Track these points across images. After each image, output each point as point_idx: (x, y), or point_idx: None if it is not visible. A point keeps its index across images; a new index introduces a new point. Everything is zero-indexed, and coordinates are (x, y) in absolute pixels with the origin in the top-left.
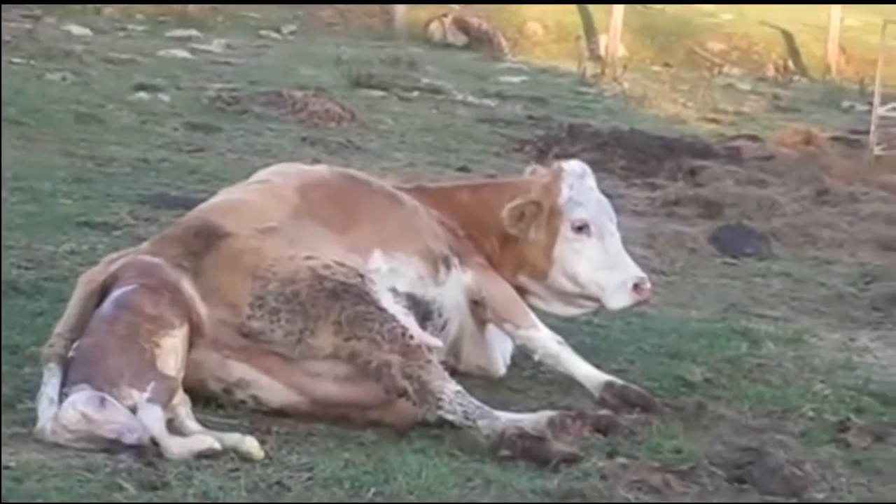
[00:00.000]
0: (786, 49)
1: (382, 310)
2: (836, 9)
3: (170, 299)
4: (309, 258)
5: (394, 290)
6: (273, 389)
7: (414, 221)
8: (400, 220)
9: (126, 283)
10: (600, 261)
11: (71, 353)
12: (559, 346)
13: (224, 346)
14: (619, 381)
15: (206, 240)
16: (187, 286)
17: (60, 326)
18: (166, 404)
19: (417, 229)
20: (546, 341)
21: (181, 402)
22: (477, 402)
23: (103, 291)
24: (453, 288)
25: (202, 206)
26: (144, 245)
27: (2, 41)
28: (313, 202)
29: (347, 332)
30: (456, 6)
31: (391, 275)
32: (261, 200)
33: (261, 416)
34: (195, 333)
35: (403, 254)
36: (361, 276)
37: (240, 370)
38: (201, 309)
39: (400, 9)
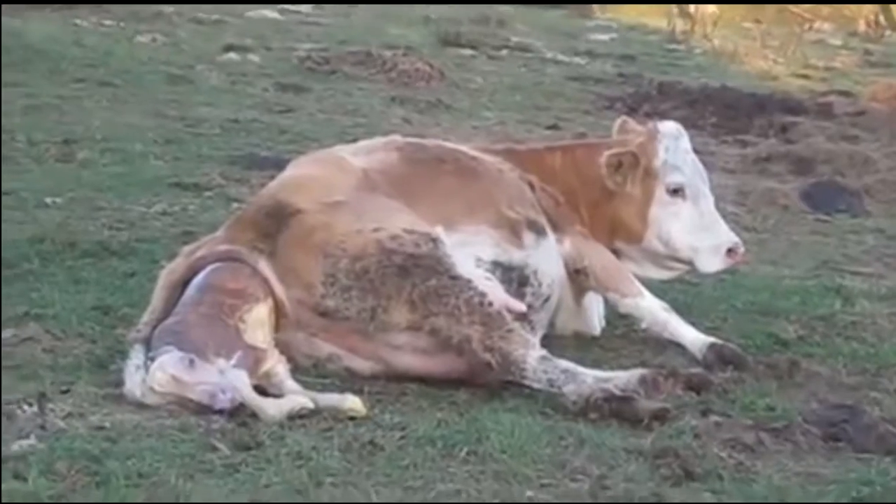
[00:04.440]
0: (877, 4)
1: (457, 278)
2: None
3: (250, 273)
4: (376, 230)
5: (478, 259)
6: (361, 363)
7: (489, 191)
8: (469, 194)
9: (206, 269)
10: (694, 224)
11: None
12: (666, 314)
13: (306, 325)
14: (719, 342)
15: (278, 219)
16: (265, 268)
17: (146, 316)
18: (253, 371)
19: (490, 199)
20: (653, 310)
21: (279, 363)
22: (563, 366)
23: (185, 281)
24: (548, 255)
25: (271, 185)
26: (220, 232)
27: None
28: (376, 185)
29: (423, 310)
30: None
31: (461, 247)
32: (327, 174)
33: (352, 377)
34: (279, 314)
35: (471, 226)
36: (434, 240)
37: (327, 347)
38: (280, 290)
39: None
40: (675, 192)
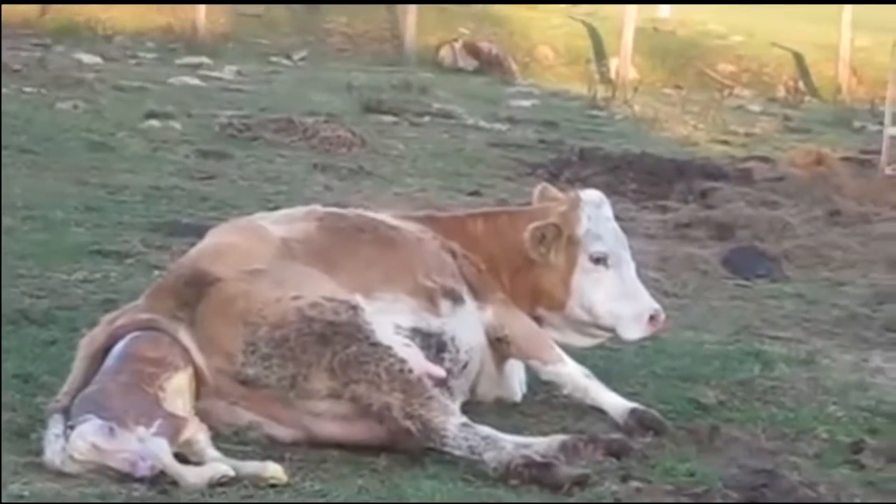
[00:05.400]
0: (796, 70)
1: (377, 345)
2: (846, 29)
3: (170, 342)
4: (296, 298)
5: (397, 326)
6: (282, 431)
7: (406, 260)
8: (387, 263)
9: (126, 337)
10: (617, 292)
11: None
12: (587, 380)
13: (226, 393)
14: (641, 407)
15: (198, 288)
16: (185, 337)
17: (66, 386)
18: (173, 439)
19: (408, 268)
20: (574, 376)
21: (199, 430)
22: (484, 433)
23: (105, 350)
24: (466, 322)
25: (191, 253)
26: (140, 300)
27: (2, 66)
28: (295, 254)
29: (343, 378)
30: (465, 30)
31: (379, 315)
32: (246, 243)
33: (272, 445)
34: (199, 382)
35: (388, 294)
36: (354, 307)
37: (248, 415)
38: (199, 359)
39: (410, 34)
40: (598, 260)
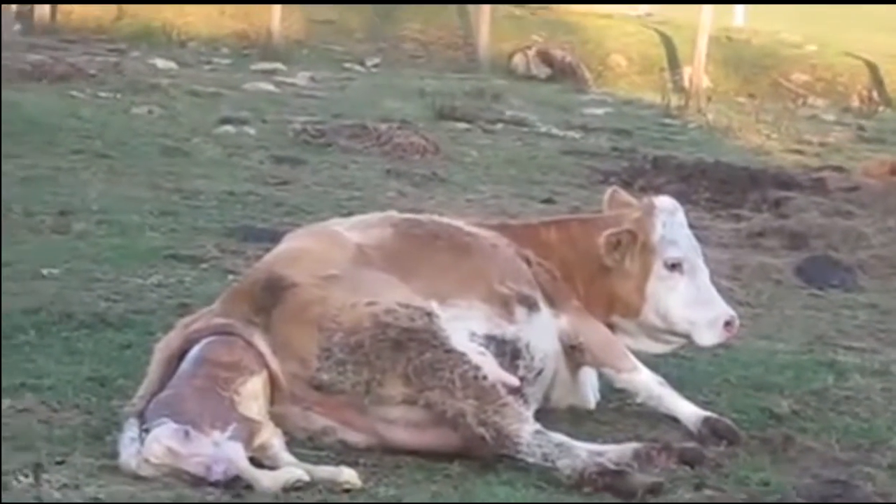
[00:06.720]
0: (870, 80)
1: (451, 352)
2: None
3: (245, 346)
4: (370, 304)
5: (472, 333)
6: (356, 436)
7: (481, 267)
8: (462, 269)
9: (201, 342)
10: (692, 298)
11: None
12: (661, 388)
13: (301, 398)
14: (714, 416)
15: (273, 293)
16: (260, 342)
17: (142, 389)
18: (248, 443)
19: (482, 274)
20: (648, 384)
21: (274, 435)
22: (557, 440)
23: (181, 354)
24: (541, 329)
25: (267, 258)
26: (216, 305)
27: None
28: (370, 259)
29: (418, 384)
30: (539, 38)
31: (454, 322)
32: (322, 248)
33: (347, 450)
34: (273, 387)
35: (463, 301)
36: (429, 314)
37: (322, 420)
38: (274, 364)
39: (483, 41)
40: (673, 266)
